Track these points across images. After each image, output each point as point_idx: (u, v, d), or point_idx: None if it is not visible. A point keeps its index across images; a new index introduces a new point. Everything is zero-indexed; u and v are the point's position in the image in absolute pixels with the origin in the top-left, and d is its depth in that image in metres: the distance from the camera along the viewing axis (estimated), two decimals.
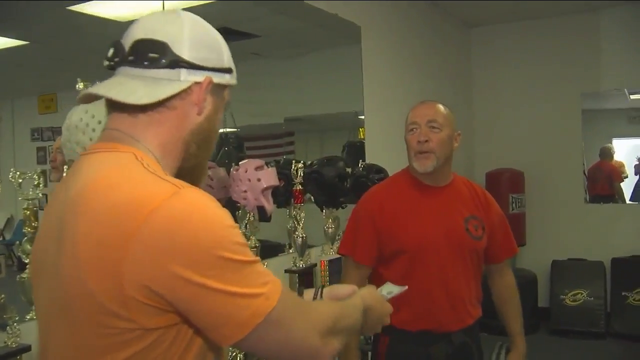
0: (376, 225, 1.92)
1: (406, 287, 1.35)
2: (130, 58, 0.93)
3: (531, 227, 5.29)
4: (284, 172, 2.35)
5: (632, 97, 5.36)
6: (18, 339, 1.53)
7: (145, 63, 0.92)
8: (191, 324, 0.86)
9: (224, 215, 0.86)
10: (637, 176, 5.66)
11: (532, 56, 5.36)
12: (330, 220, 2.65)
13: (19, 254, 1.61)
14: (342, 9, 3.31)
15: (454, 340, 1.89)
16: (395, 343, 1.89)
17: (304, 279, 2.46)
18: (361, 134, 3.56)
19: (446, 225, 1.90)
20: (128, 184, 0.85)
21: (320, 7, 3.11)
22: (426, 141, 1.87)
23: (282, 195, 2.39)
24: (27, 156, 2.03)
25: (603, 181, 5.54)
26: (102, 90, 0.93)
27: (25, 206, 1.61)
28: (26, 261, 1.59)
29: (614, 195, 5.56)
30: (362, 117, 3.58)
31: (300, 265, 2.48)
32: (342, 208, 2.65)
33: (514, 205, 5.13)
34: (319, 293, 1.18)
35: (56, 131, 1.63)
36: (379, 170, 2.66)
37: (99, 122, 1.42)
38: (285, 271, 2.45)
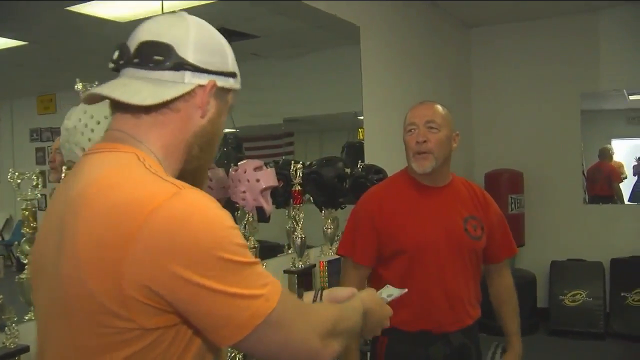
0: (375, 225, 1.92)
1: (406, 289, 1.36)
2: (136, 60, 0.93)
3: (530, 227, 5.29)
4: (283, 173, 2.35)
5: (631, 97, 5.37)
6: (17, 339, 1.53)
7: (150, 65, 0.92)
8: (190, 325, 0.86)
9: (225, 216, 0.86)
10: (636, 177, 5.66)
11: (531, 57, 5.37)
12: (329, 221, 2.65)
13: (17, 254, 1.61)
14: (341, 10, 3.31)
15: (453, 341, 1.89)
16: (394, 343, 1.89)
17: (303, 279, 2.46)
18: (360, 134, 3.56)
19: (445, 225, 1.90)
20: (129, 184, 0.85)
21: (319, 7, 3.11)
22: (424, 142, 1.87)
23: (281, 195, 2.39)
24: (26, 157, 2.03)
25: (602, 182, 5.55)
26: (106, 90, 0.93)
27: (23, 207, 1.61)
28: (25, 262, 1.59)
29: (613, 196, 5.56)
30: (362, 117, 3.58)
31: (299, 266, 2.48)
32: (341, 208, 2.65)
33: (513, 205, 5.13)
34: (319, 295, 1.18)
35: (55, 132, 1.64)
36: (378, 171, 2.66)
37: (98, 123, 1.43)
38: (284, 272, 2.45)
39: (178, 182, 0.87)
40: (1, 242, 2.08)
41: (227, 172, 1.86)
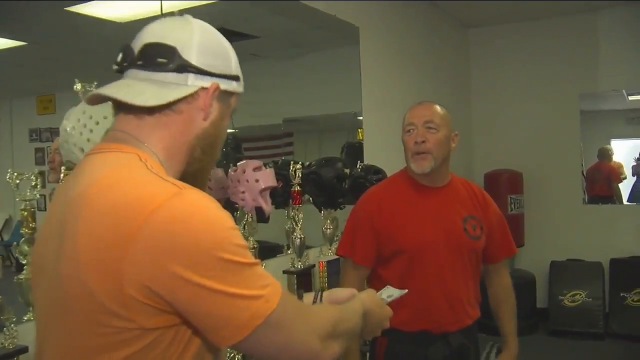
0: (375, 225, 1.92)
1: (406, 290, 1.36)
2: (139, 62, 0.94)
3: (530, 227, 5.29)
4: (282, 173, 2.36)
5: (630, 98, 5.37)
6: (15, 340, 1.53)
7: (154, 66, 0.93)
8: (190, 325, 0.86)
9: (225, 216, 0.86)
10: (635, 177, 5.66)
11: (530, 57, 5.37)
12: (329, 221, 2.65)
13: (16, 255, 1.61)
14: (340, 10, 3.31)
15: (452, 342, 1.89)
16: (393, 344, 1.89)
17: (302, 280, 2.46)
18: (360, 134, 3.56)
19: (444, 225, 1.90)
20: (129, 184, 0.85)
21: (319, 7, 3.11)
22: (423, 142, 1.87)
23: (281, 196, 2.40)
24: (25, 157, 2.03)
25: (602, 182, 5.55)
26: (110, 91, 0.93)
27: (22, 207, 1.61)
28: (24, 262, 1.59)
29: (613, 196, 5.56)
30: (361, 117, 3.58)
31: (299, 266, 2.48)
32: (341, 209, 2.65)
33: (512, 206, 5.13)
34: (319, 297, 1.18)
35: (54, 132, 1.63)
36: (378, 171, 2.66)
37: (97, 123, 1.43)
38: (284, 272, 2.45)
39: (179, 182, 0.87)
40: (0, 243, 2.08)
41: (227, 173, 1.86)
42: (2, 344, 1.52)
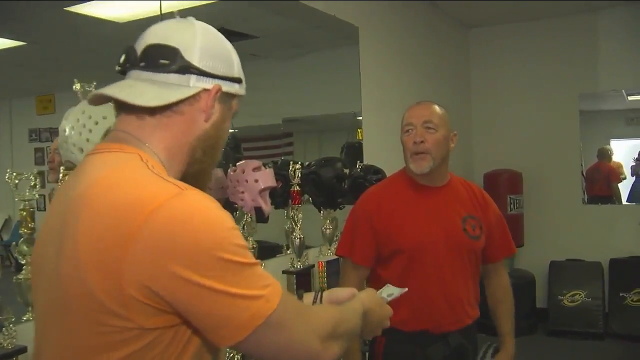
0: (374, 225, 1.92)
1: (406, 289, 1.36)
2: (142, 63, 0.94)
3: (529, 228, 5.29)
4: (281, 173, 2.35)
5: (629, 98, 5.37)
6: (14, 340, 1.53)
7: (156, 67, 0.93)
8: (189, 325, 0.86)
9: (225, 217, 0.86)
10: (634, 177, 5.66)
11: (530, 57, 5.37)
12: (328, 221, 2.65)
13: (15, 254, 1.61)
14: (339, 10, 3.31)
15: (451, 342, 1.89)
16: (392, 343, 1.89)
17: (301, 280, 2.46)
18: (359, 134, 3.56)
19: (444, 225, 1.90)
20: (130, 184, 0.85)
21: (318, 8, 3.11)
22: (422, 142, 1.87)
23: (280, 196, 2.40)
24: (25, 157, 2.03)
25: (601, 182, 5.55)
26: (112, 91, 0.94)
27: (21, 207, 1.61)
28: (23, 262, 1.59)
29: (612, 196, 5.56)
30: (361, 117, 3.58)
31: (298, 266, 2.48)
32: (340, 209, 2.65)
33: (512, 206, 5.13)
34: (319, 297, 1.18)
35: (54, 132, 1.63)
36: (377, 171, 2.66)
37: (96, 123, 1.43)
38: (283, 272, 2.45)
39: (179, 183, 0.87)
40: (0, 243, 2.08)
41: (226, 173, 1.86)
42: (1, 344, 1.52)
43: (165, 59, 0.93)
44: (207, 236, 0.82)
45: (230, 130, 1.06)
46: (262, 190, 1.77)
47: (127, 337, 0.83)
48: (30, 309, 1.61)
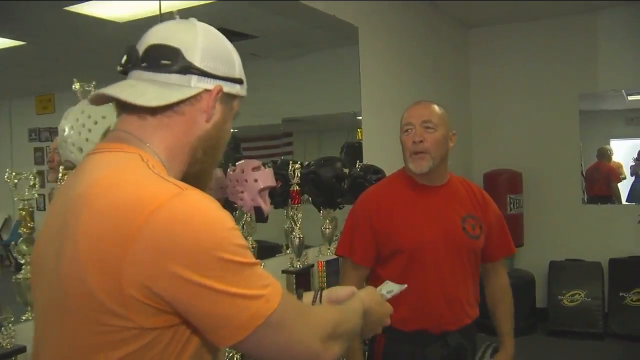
0: (373, 225, 1.92)
1: (406, 285, 1.35)
2: (144, 63, 0.95)
3: (529, 227, 5.29)
4: (281, 173, 2.35)
5: (629, 98, 5.37)
6: (13, 339, 1.53)
7: (158, 68, 0.94)
8: (189, 325, 0.86)
9: (226, 217, 0.86)
10: (634, 177, 5.66)
11: (530, 57, 5.37)
12: (328, 221, 2.65)
13: (15, 254, 1.61)
14: (339, 10, 3.31)
15: (450, 342, 1.89)
16: (391, 343, 1.89)
17: (301, 279, 2.46)
18: (359, 134, 3.56)
19: (443, 224, 1.90)
20: (131, 183, 0.86)
21: (318, 7, 3.11)
22: (421, 141, 1.87)
23: (280, 195, 2.40)
24: (24, 157, 2.03)
25: (601, 182, 5.55)
26: (113, 91, 0.94)
27: (20, 207, 1.61)
28: (22, 262, 1.59)
29: (612, 196, 5.56)
30: (360, 117, 3.58)
31: (298, 266, 2.48)
32: (340, 209, 2.65)
33: (511, 206, 5.13)
34: (319, 296, 1.18)
35: (54, 132, 1.63)
36: (377, 171, 2.66)
37: (95, 123, 1.43)
38: (283, 272, 2.45)
39: (180, 183, 0.87)
40: (0, 242, 2.08)
41: (225, 172, 1.86)
42: (0, 343, 1.52)
43: (166, 60, 0.93)
44: (207, 236, 0.82)
45: (230, 130, 1.06)
46: (261, 190, 1.77)
47: (127, 336, 0.83)
48: (29, 308, 1.61)
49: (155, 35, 0.96)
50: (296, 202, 2.42)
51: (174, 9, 1.04)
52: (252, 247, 2.15)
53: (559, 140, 5.29)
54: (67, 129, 1.46)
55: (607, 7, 4.99)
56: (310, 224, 2.59)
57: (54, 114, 1.98)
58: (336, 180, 2.54)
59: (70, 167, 1.44)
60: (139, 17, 2.21)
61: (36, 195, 1.63)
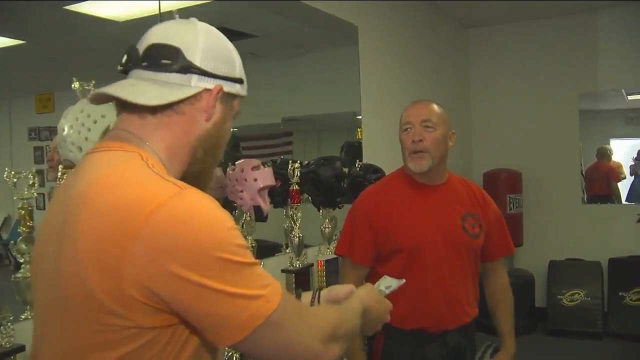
0: (372, 224, 1.92)
1: (404, 280, 1.34)
2: (144, 63, 0.95)
3: (529, 227, 5.29)
4: (280, 172, 2.35)
5: (629, 97, 5.37)
6: (12, 339, 1.53)
7: (158, 67, 0.94)
8: (188, 325, 0.86)
9: (225, 217, 0.86)
10: (633, 177, 5.66)
11: (529, 57, 5.37)
12: (327, 220, 2.65)
13: (14, 253, 1.61)
14: (339, 9, 3.31)
15: (449, 341, 1.89)
16: (390, 342, 1.90)
17: (300, 278, 2.46)
18: (359, 134, 3.56)
19: (443, 223, 1.91)
20: (130, 183, 0.85)
21: (318, 7, 3.11)
22: (420, 141, 1.87)
23: (279, 195, 2.40)
24: (24, 156, 2.03)
25: (601, 181, 5.55)
26: (113, 90, 0.94)
27: (20, 206, 1.61)
28: (21, 261, 1.59)
29: (612, 196, 5.57)
30: (360, 117, 3.58)
31: (297, 265, 2.48)
32: (339, 208, 2.65)
33: (511, 205, 5.13)
34: (317, 297, 1.17)
35: (53, 131, 1.63)
36: (376, 170, 2.66)
37: (95, 122, 1.43)
38: (282, 271, 2.45)
39: (179, 182, 0.87)
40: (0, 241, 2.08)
41: (225, 172, 1.86)
42: None
43: (167, 59, 0.93)
44: (206, 236, 0.82)
45: (230, 130, 1.06)
46: (261, 189, 1.77)
47: (126, 335, 0.83)
48: (28, 307, 1.61)
49: (156, 35, 0.96)
50: (296, 201, 2.42)
51: (174, 8, 1.04)
52: (252, 247, 2.15)
53: (559, 139, 5.29)
54: (66, 128, 1.46)
55: (607, 7, 4.99)
56: (310, 224, 2.59)
57: (54, 113, 1.98)
58: (336, 180, 2.54)
59: (70, 166, 1.43)
60: (139, 16, 2.21)
61: (35, 194, 1.63)
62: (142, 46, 0.96)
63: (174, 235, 0.80)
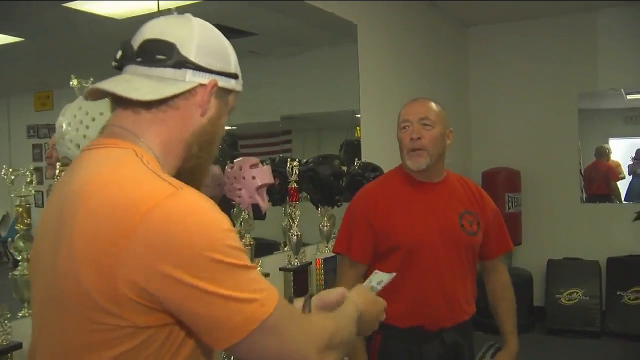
0: (370, 222, 1.92)
1: (394, 273, 1.31)
2: (138, 58, 0.94)
3: (527, 226, 5.30)
4: (279, 170, 2.35)
5: (628, 97, 5.38)
6: (9, 336, 1.53)
7: (153, 62, 0.93)
8: (184, 327, 0.86)
9: (221, 218, 0.86)
10: (631, 176, 5.67)
11: (529, 56, 5.37)
12: (326, 219, 2.65)
13: (11, 250, 1.61)
14: (338, 8, 3.31)
15: (447, 340, 1.89)
16: (388, 340, 1.90)
17: (298, 277, 2.45)
18: (358, 132, 3.56)
19: (440, 221, 1.90)
20: (126, 181, 0.85)
21: (317, 5, 3.11)
22: (418, 138, 1.87)
23: (278, 193, 2.39)
24: (23, 153, 2.03)
25: (599, 181, 5.55)
26: (108, 85, 0.94)
27: (17, 203, 1.61)
28: (18, 258, 1.59)
29: (610, 195, 5.57)
30: (359, 115, 3.58)
31: (295, 264, 2.48)
32: (338, 206, 2.64)
33: (510, 204, 5.13)
34: (308, 305, 1.12)
35: (52, 128, 1.63)
36: (375, 169, 2.65)
37: (93, 119, 1.43)
38: (280, 269, 2.45)
39: (176, 182, 0.87)
40: None
41: (223, 170, 1.86)
42: None
43: (161, 54, 0.93)
44: (200, 237, 0.81)
45: (229, 128, 1.06)
46: (259, 187, 1.77)
47: (121, 335, 0.83)
48: (25, 305, 1.61)
49: (151, 30, 0.96)
50: (294, 199, 2.42)
51: (172, 6, 1.04)
52: (250, 245, 2.14)
53: (558, 138, 5.30)
54: (64, 126, 1.46)
55: (607, 6, 4.99)
56: (308, 222, 2.59)
57: (53, 110, 1.98)
58: (334, 178, 2.54)
59: (68, 163, 1.43)
60: (137, 14, 2.21)
61: (33, 191, 1.63)
62: (136, 42, 0.95)
63: (168, 236, 0.80)
